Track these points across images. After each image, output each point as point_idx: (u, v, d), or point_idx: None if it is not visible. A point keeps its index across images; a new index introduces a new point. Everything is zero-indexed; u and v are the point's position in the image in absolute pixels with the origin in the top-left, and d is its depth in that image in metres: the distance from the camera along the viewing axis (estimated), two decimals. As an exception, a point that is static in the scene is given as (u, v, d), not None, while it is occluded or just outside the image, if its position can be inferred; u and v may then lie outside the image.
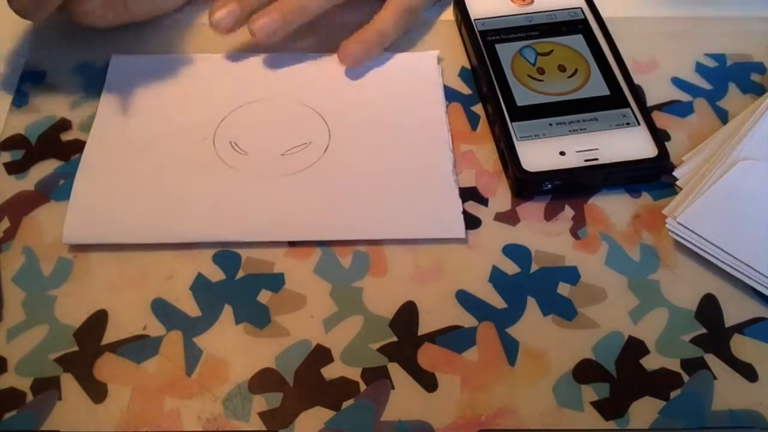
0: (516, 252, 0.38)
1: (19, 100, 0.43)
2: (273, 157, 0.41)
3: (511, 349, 0.35)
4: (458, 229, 0.38)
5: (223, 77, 0.44)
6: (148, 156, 0.40)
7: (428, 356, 0.34)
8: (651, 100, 0.44)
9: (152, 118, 0.42)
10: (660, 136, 0.40)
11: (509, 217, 0.39)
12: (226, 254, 0.37)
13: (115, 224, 0.38)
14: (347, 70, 0.45)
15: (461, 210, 0.38)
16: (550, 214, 0.39)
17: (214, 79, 0.44)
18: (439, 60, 0.46)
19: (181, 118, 0.42)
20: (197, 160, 0.40)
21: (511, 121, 0.41)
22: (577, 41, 0.45)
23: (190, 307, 0.36)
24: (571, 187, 0.40)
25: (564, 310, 0.36)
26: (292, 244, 0.38)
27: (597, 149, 0.39)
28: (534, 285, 0.37)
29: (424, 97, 0.44)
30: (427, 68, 0.45)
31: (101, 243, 0.37)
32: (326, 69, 0.45)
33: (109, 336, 0.35)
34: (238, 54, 0.46)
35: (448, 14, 0.49)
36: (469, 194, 0.40)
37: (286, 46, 0.46)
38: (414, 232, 0.38)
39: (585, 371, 0.34)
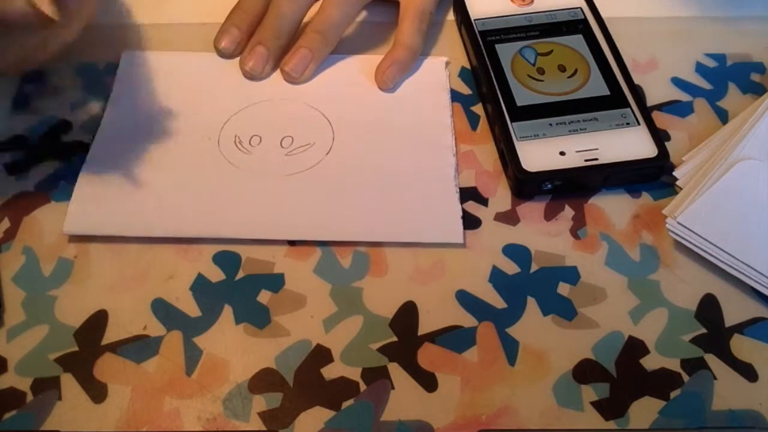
0: (516, 252, 0.38)
1: (20, 102, 0.43)
2: (276, 157, 0.41)
3: (511, 349, 0.35)
4: (457, 234, 0.38)
5: (231, 77, 0.44)
6: (153, 152, 0.41)
7: (428, 356, 0.34)
8: (651, 100, 0.44)
9: (160, 115, 0.42)
10: (660, 136, 0.40)
11: (509, 217, 0.39)
12: (226, 254, 0.37)
13: (116, 217, 0.38)
14: (353, 73, 0.45)
15: (461, 215, 0.38)
16: (550, 214, 0.39)
17: (222, 79, 0.44)
18: (447, 65, 0.46)
19: (187, 115, 0.42)
20: (201, 157, 0.40)
21: (511, 121, 0.41)
22: (577, 41, 0.45)
23: (190, 307, 0.36)
24: (571, 187, 0.40)
25: (564, 310, 0.36)
26: (292, 244, 0.38)
27: (597, 149, 0.39)
28: (534, 285, 0.37)
29: (430, 101, 0.44)
30: (435, 73, 0.45)
31: (102, 234, 0.37)
32: (333, 70, 0.45)
33: (109, 336, 0.35)
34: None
35: (448, 14, 0.49)
36: (469, 194, 0.40)
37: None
38: (413, 235, 0.38)
39: (585, 371, 0.34)
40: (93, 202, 0.38)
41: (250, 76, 0.44)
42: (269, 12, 0.44)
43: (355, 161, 0.41)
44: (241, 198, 0.39)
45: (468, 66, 0.46)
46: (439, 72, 0.45)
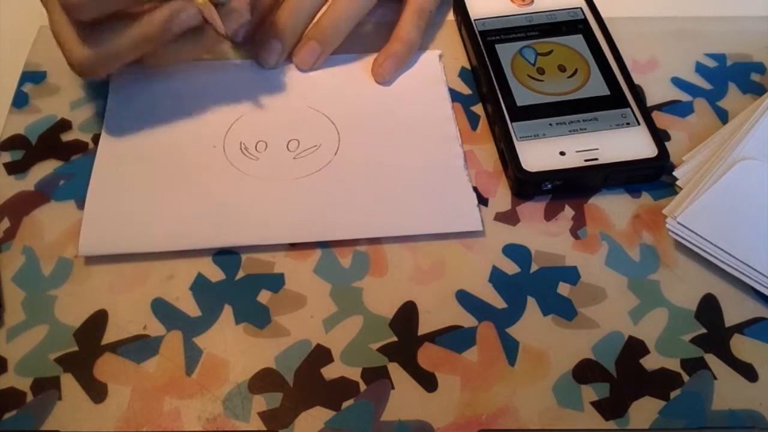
0: (516, 252, 0.38)
1: (20, 101, 0.43)
2: (285, 160, 0.41)
3: (511, 349, 0.35)
4: (475, 222, 0.38)
5: (227, 85, 0.44)
6: (159, 166, 0.40)
7: (428, 356, 0.34)
8: (651, 100, 0.44)
9: (160, 128, 0.42)
10: (660, 136, 0.40)
11: (509, 217, 0.39)
12: (226, 254, 0.37)
13: (130, 234, 0.37)
14: (352, 73, 0.45)
15: (476, 203, 0.39)
16: (550, 214, 0.39)
17: (219, 87, 0.44)
18: (441, 58, 0.46)
19: (189, 126, 0.42)
20: (209, 167, 0.40)
21: (511, 121, 0.41)
22: (577, 41, 0.45)
23: (190, 307, 0.36)
24: (571, 187, 0.40)
25: (564, 310, 0.36)
26: (292, 244, 0.38)
27: (597, 149, 0.39)
28: (534, 285, 0.37)
29: (429, 95, 0.44)
30: (431, 67, 0.45)
31: (118, 253, 0.37)
32: (331, 72, 0.45)
33: (109, 336, 0.35)
34: (241, 61, 0.45)
35: (449, 14, 0.49)
36: (469, 194, 0.40)
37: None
38: (431, 227, 0.38)
39: (585, 371, 0.34)
40: (104, 221, 0.38)
41: (264, 65, 0.44)
42: (286, 4, 0.44)
43: (364, 159, 0.41)
44: (256, 205, 0.39)
45: (468, 66, 0.46)
46: (434, 65, 0.45)
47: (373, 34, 0.47)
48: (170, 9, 0.37)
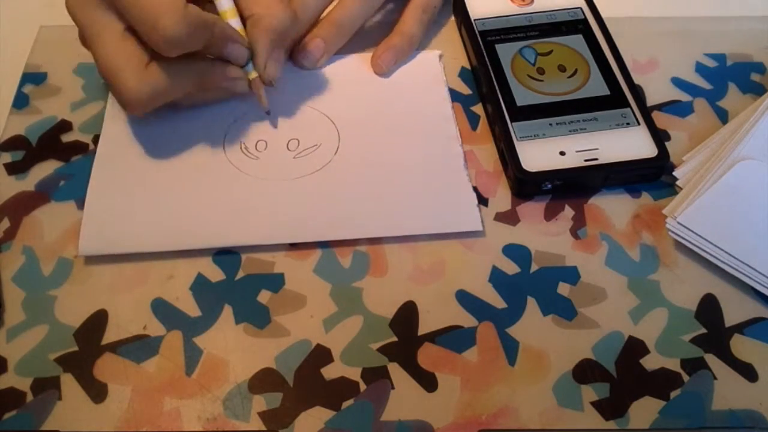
0: (516, 252, 0.38)
1: (20, 102, 0.43)
2: (285, 160, 0.41)
3: (511, 349, 0.35)
4: (475, 222, 0.38)
5: None
6: (159, 166, 0.40)
7: (428, 356, 0.34)
8: (651, 100, 0.44)
9: (160, 128, 0.42)
10: (660, 136, 0.40)
11: (509, 217, 0.39)
12: (226, 254, 0.37)
13: (130, 234, 0.37)
14: (351, 72, 0.45)
15: (476, 203, 0.39)
16: (550, 214, 0.39)
17: None
18: (441, 58, 0.46)
19: (189, 126, 0.42)
20: (209, 167, 0.40)
21: (511, 121, 0.41)
22: (577, 41, 0.45)
23: (190, 307, 0.36)
24: (571, 187, 0.40)
25: (564, 310, 0.36)
26: (292, 244, 0.38)
27: (597, 149, 0.39)
28: (534, 285, 0.37)
29: (429, 95, 0.44)
30: (430, 67, 0.45)
31: (118, 253, 0.37)
32: (331, 71, 0.45)
33: (109, 336, 0.35)
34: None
35: (449, 14, 0.49)
36: (469, 194, 0.40)
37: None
38: (431, 227, 0.38)
39: (585, 371, 0.34)
40: (104, 221, 0.38)
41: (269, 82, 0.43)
42: (291, 2, 0.44)
43: (363, 159, 0.41)
44: (256, 205, 0.39)
45: (468, 66, 0.46)
46: (434, 65, 0.45)
47: (377, 33, 0.47)
48: (228, 74, 0.39)
